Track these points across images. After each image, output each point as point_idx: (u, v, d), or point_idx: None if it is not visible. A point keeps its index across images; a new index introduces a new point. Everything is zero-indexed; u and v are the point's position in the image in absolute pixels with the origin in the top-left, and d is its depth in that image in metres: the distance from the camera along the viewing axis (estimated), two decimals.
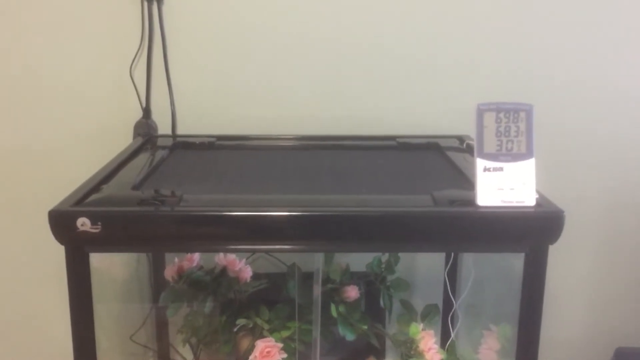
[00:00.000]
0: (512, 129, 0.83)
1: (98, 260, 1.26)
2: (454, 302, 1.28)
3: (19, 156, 1.30)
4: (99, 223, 0.78)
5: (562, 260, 1.38)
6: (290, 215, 0.81)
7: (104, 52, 1.26)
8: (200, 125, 1.29)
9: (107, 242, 0.80)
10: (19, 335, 1.40)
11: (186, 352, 1.29)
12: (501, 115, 0.83)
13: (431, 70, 1.29)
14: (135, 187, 0.90)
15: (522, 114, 0.83)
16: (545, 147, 1.27)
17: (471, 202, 0.83)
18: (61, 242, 0.80)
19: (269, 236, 0.82)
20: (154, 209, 0.81)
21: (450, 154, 1.12)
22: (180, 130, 1.30)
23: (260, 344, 1.14)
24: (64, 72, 1.27)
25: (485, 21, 1.27)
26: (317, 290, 1.13)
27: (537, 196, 0.83)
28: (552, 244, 0.83)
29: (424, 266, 1.36)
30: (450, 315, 1.28)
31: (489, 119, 0.83)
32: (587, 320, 1.43)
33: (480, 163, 0.83)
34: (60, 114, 1.29)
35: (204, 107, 1.30)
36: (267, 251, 0.84)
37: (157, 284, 1.28)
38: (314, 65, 1.28)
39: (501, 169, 0.83)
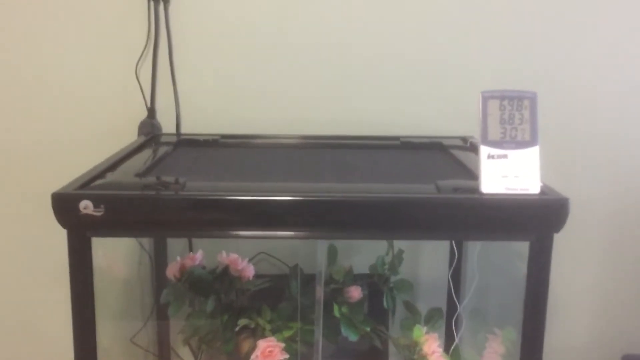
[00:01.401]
0: (516, 116, 0.83)
1: (100, 259, 1.26)
2: (457, 305, 1.26)
3: (24, 154, 1.30)
4: (102, 206, 0.78)
5: (568, 265, 1.37)
6: (291, 200, 0.81)
7: (109, 51, 1.27)
8: (205, 126, 1.29)
9: (110, 226, 0.80)
10: (19, 330, 1.39)
11: (187, 355, 1.28)
12: (505, 102, 0.84)
13: (435, 72, 1.30)
14: (139, 175, 0.90)
15: (526, 102, 0.84)
16: (551, 146, 1.27)
17: (475, 189, 0.83)
18: (64, 226, 0.79)
19: (271, 222, 0.82)
20: (157, 193, 0.81)
21: (453, 151, 1.12)
22: (184, 131, 1.30)
23: (262, 344, 1.13)
24: (70, 71, 1.28)
25: (489, 23, 1.28)
26: (320, 291, 1.13)
27: (542, 184, 0.83)
28: (557, 232, 0.82)
29: (428, 268, 1.35)
30: (454, 319, 1.26)
31: (493, 106, 0.84)
32: (593, 327, 1.41)
33: (484, 150, 0.83)
34: (65, 113, 1.29)
35: (209, 108, 1.30)
36: (269, 237, 0.83)
37: (160, 284, 1.27)
38: (318, 67, 1.29)
39: (505, 156, 0.83)
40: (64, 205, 0.79)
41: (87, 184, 0.84)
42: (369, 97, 1.30)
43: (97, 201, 0.78)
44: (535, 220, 0.82)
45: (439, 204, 0.82)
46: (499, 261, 1.26)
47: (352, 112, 1.31)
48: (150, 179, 0.86)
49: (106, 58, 1.27)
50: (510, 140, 0.83)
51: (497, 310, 1.28)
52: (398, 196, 0.82)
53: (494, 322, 1.23)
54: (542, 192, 0.82)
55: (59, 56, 1.27)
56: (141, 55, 1.27)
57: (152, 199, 0.80)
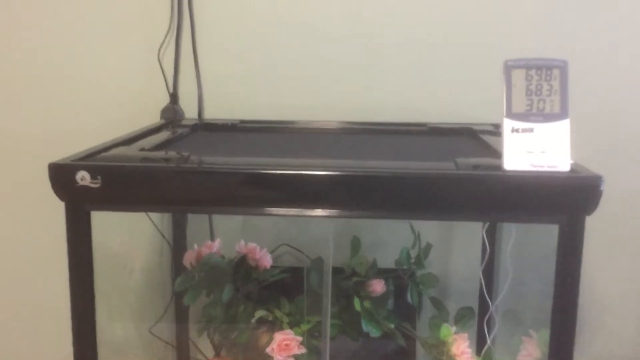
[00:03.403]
0: (544, 87, 0.76)
1: (119, 248, 1.24)
2: (490, 304, 1.18)
3: (45, 139, 1.29)
4: (99, 177, 0.75)
5: (614, 270, 1.27)
6: (300, 174, 0.75)
7: (132, 36, 1.26)
8: (228, 112, 1.26)
9: (108, 199, 0.77)
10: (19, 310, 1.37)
11: (206, 347, 1.24)
12: (532, 72, 0.76)
13: (467, 59, 1.23)
14: (144, 151, 0.86)
15: (556, 71, 0.76)
16: (587, 128, 1.18)
17: (497, 167, 0.76)
18: (61, 198, 0.77)
19: (278, 198, 0.77)
20: (156, 165, 0.77)
21: (483, 137, 1.05)
22: (207, 117, 1.27)
23: (279, 337, 1.08)
24: (92, 56, 1.27)
25: (521, 9, 1.21)
26: (328, 279, 1.07)
27: (572, 161, 0.75)
28: (589, 214, 0.74)
29: (459, 264, 1.28)
30: (486, 319, 1.18)
31: (518, 76, 0.77)
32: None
33: (507, 124, 0.76)
34: (87, 99, 1.28)
35: (232, 94, 1.27)
36: (275, 215, 0.78)
37: (178, 273, 1.23)
38: (346, 52, 1.24)
39: (531, 130, 0.75)
40: (60, 176, 0.76)
41: (89, 157, 0.81)
42: (396, 84, 1.24)
43: (93, 172, 0.75)
44: (565, 201, 0.74)
45: (457, 181, 0.75)
46: (535, 257, 1.18)
47: (381, 98, 1.25)
48: (153, 153, 0.83)
49: (129, 43, 1.26)
50: (537, 113, 0.76)
51: (533, 310, 1.20)
52: (414, 172, 0.76)
53: (529, 323, 1.15)
54: (572, 169, 0.75)
55: (81, 41, 1.27)
56: (164, 40, 1.25)
57: (151, 172, 0.77)
